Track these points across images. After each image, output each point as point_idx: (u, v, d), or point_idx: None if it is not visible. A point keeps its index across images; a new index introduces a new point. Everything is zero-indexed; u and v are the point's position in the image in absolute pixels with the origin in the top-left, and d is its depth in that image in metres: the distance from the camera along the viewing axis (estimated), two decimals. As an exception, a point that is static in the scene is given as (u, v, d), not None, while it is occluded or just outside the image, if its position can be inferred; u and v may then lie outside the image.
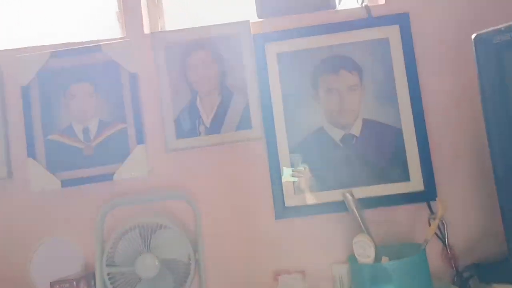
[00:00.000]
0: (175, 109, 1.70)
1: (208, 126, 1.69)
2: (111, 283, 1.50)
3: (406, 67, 1.67)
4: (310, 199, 1.64)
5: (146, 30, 1.76)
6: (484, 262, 1.50)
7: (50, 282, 1.44)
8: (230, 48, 1.70)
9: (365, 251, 1.39)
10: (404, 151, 1.65)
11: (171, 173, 1.68)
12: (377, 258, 1.41)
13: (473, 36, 1.28)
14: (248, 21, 1.70)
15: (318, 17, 1.71)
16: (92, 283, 1.51)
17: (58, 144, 1.67)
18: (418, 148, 1.64)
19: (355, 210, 1.51)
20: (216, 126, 1.69)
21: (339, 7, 1.75)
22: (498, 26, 1.22)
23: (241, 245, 1.65)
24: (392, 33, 1.69)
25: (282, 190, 1.66)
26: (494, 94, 1.22)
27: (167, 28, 1.82)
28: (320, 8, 1.73)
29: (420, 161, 1.64)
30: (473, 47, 1.27)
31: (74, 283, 1.43)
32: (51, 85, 1.68)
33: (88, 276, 1.52)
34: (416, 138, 1.65)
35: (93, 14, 1.86)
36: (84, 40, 1.72)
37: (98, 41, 1.70)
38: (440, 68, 1.67)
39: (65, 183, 1.64)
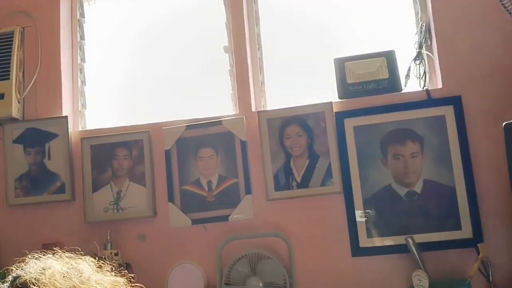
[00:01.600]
0: (274, 168, 2.24)
1: (299, 181, 2.21)
2: (228, 298, 2.04)
3: (458, 138, 2.10)
4: (379, 242, 2.09)
5: (253, 108, 2.34)
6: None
7: (187, 294, 2.01)
8: (317, 122, 2.23)
9: (421, 283, 1.81)
10: (457, 206, 2.06)
11: (270, 217, 2.22)
12: (432, 290, 1.83)
13: (503, 124, 1.70)
14: (331, 102, 2.23)
15: (387, 98, 2.20)
16: (215, 296, 2.06)
17: (190, 192, 2.27)
18: (468, 203, 2.05)
19: (415, 252, 1.94)
20: (305, 182, 2.21)
21: (404, 89, 2.23)
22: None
23: (325, 274, 2.12)
24: (448, 111, 2.13)
25: (357, 234, 2.12)
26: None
27: (269, 107, 2.39)
28: (389, 91, 2.22)
29: (470, 213, 2.04)
30: (503, 133, 1.69)
31: (204, 295, 1.99)
32: (185, 149, 2.31)
33: (212, 291, 2.08)
34: (467, 195, 2.05)
35: (210, 93, 2.48)
36: (209, 116, 2.33)
37: (219, 117, 2.31)
38: (486, 138, 2.07)
39: (194, 222, 2.23)
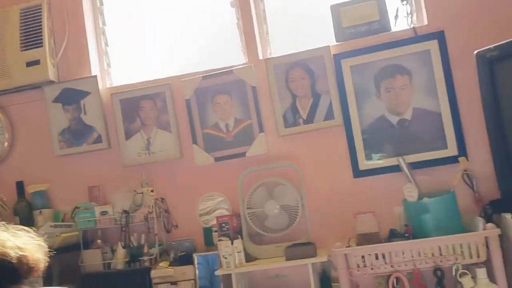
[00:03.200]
0: (282, 109, 2.55)
1: (305, 118, 2.53)
2: (250, 219, 2.41)
3: (443, 70, 2.38)
4: (376, 164, 2.43)
5: (261, 57, 2.63)
6: (495, 200, 2.18)
7: (216, 217, 2.39)
8: (317, 64, 2.52)
9: (411, 193, 2.15)
10: (443, 129, 2.37)
11: (282, 151, 2.55)
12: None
13: (474, 52, 1.98)
14: (328, 46, 2.51)
15: (379, 38, 2.47)
16: (239, 218, 2.44)
17: (210, 135, 2.61)
18: (453, 126, 2.35)
19: (406, 169, 2.27)
20: (310, 118, 2.52)
21: (393, 29, 2.49)
22: (490, 46, 1.92)
23: (331, 195, 2.48)
24: (432, 46, 2.40)
25: (357, 159, 2.46)
26: (488, 90, 1.92)
27: (274, 54, 2.67)
28: (380, 31, 2.48)
29: (455, 134, 2.35)
30: (475, 60, 1.97)
31: (230, 217, 2.37)
32: (203, 98, 2.62)
33: (236, 215, 2.45)
34: (451, 119, 2.36)
35: (222, 46, 2.77)
36: (221, 67, 2.63)
37: (230, 67, 2.61)
38: (468, 69, 2.33)
39: (216, 159, 2.58)
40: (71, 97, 2.72)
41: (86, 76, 2.73)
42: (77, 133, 2.71)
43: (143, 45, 2.91)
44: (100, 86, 2.74)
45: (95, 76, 2.72)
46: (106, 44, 2.88)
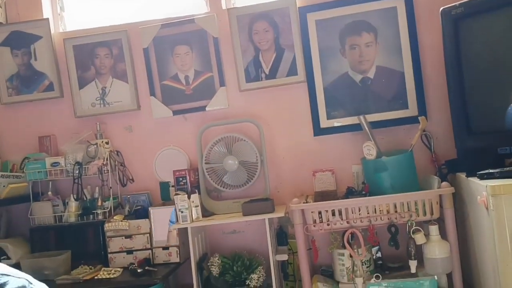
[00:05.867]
0: (244, 62, 2.47)
1: (267, 73, 2.46)
2: (208, 174, 2.36)
3: (408, 28, 2.34)
4: (337, 122, 2.40)
5: (224, 6, 2.52)
6: (451, 159, 2.21)
7: (173, 170, 2.32)
8: (282, 17, 2.43)
9: (370, 152, 2.15)
10: (405, 88, 2.36)
11: (243, 106, 2.49)
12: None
13: (440, 9, 1.95)
14: (295, -3, 2.42)
15: (345, -7, 2.40)
16: (197, 173, 2.39)
17: (169, 86, 2.51)
18: (415, 86, 2.34)
19: (366, 128, 2.26)
20: (273, 73, 2.46)
21: (361, -16, 2.42)
22: (455, 3, 1.88)
23: (291, 152, 2.45)
24: (399, 3, 2.35)
25: (318, 117, 2.42)
26: (451, 48, 1.90)
27: (237, 4, 2.56)
28: (347, -14, 2.41)
29: (416, 94, 2.34)
30: (440, 17, 1.94)
31: (187, 171, 2.31)
32: (162, 47, 2.50)
33: (194, 169, 2.40)
34: (414, 79, 2.34)
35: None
36: (181, 15, 2.51)
37: (192, 15, 2.49)
38: (432, 28, 2.32)
39: (175, 113, 2.49)
40: (21, 41, 2.54)
41: (37, 19, 2.55)
42: (27, 79, 2.55)
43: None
44: (52, 30, 2.56)
45: (47, 19, 2.54)
46: (60, -14, 2.69)
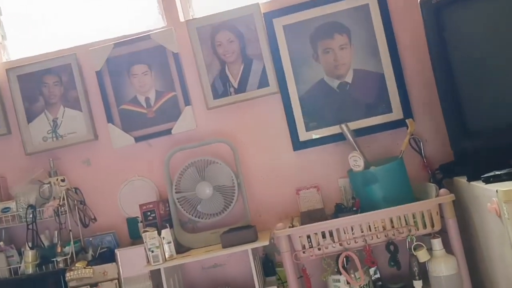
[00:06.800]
0: (210, 77, 2.24)
1: (236, 87, 2.24)
2: (180, 204, 2.10)
3: (383, 26, 2.17)
4: (317, 134, 2.19)
5: (181, 19, 2.30)
6: (446, 163, 2.01)
7: (139, 204, 2.06)
8: (247, 25, 2.22)
9: (357, 163, 1.93)
10: (387, 90, 2.17)
11: (212, 125, 2.26)
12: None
13: (419, 0, 1.77)
14: (258, 3, 2.22)
15: (312, -6, 2.21)
16: (167, 205, 2.13)
17: (128, 111, 2.26)
18: (397, 87, 2.16)
19: (350, 137, 2.05)
20: (242, 86, 2.24)
21: (327, -17, 2.24)
22: (436, -9, 1.71)
23: (270, 171, 2.22)
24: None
25: (296, 130, 2.21)
26: (436, 42, 1.71)
27: (197, 15, 2.34)
28: (313, -14, 2.22)
29: (399, 96, 2.15)
30: (420, 9, 1.76)
31: (156, 203, 2.05)
32: (117, 68, 2.26)
33: (164, 201, 2.14)
34: (395, 79, 2.16)
35: (137, 9, 2.39)
36: (136, 32, 2.27)
37: (147, 31, 2.26)
38: (410, 22, 2.14)
39: (137, 139, 2.24)
40: (-44, 75, 2.26)
41: (-26, 50, 2.29)
42: (-33, 117, 2.27)
43: (44, 12, 2.47)
44: (-7, 61, 2.30)
45: (-15, 49, 2.28)
46: (0, 13, 2.43)
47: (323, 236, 1.84)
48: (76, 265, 2.03)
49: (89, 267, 2.02)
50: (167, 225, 2.03)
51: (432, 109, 2.13)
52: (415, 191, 1.97)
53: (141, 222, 2.11)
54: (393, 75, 2.16)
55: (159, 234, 1.94)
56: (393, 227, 1.81)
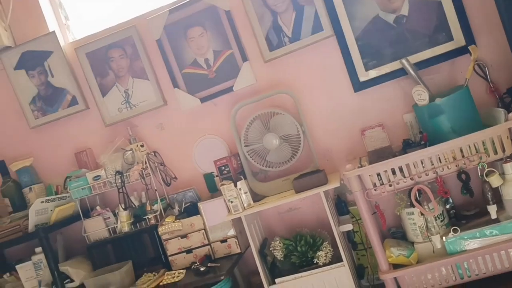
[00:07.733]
0: (263, 29, 2.27)
1: (290, 36, 2.26)
2: (250, 156, 2.22)
3: (436, -50, 2.07)
4: (377, 72, 2.18)
5: (229, -25, 2.32)
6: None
7: (214, 161, 2.20)
8: (294, -29, 2.21)
9: (421, 97, 1.93)
10: (446, 18, 2.10)
11: (271, 77, 2.31)
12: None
13: None
14: None
15: None
16: (238, 158, 2.25)
17: (191, 74, 2.36)
18: (456, 13, 2.08)
19: (412, 71, 2.03)
20: (296, 35, 2.25)
21: None
22: None
23: (333, 115, 2.26)
24: None
25: (355, 71, 2.21)
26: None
27: (244, -31, 2.35)
28: None
29: (459, 23, 2.08)
30: None
31: (228, 159, 2.18)
32: (175, 34, 2.34)
33: (235, 155, 2.26)
34: (453, 5, 2.07)
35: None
36: (188, -5, 2.34)
37: (198, -7, 2.31)
38: None
39: (202, 100, 2.35)
40: (33, 60, 2.45)
41: (44, 34, 2.45)
42: (49, 98, 2.48)
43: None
44: (62, 42, 2.46)
45: (53, 32, 2.43)
46: (60, -5, 2.58)
47: (393, 173, 1.88)
48: (166, 220, 2.23)
49: (178, 220, 2.22)
50: (241, 176, 2.16)
51: (495, 32, 2.05)
52: (483, 118, 1.94)
53: (217, 176, 2.25)
54: (451, 1, 2.08)
55: (235, 186, 2.07)
56: (463, 156, 1.82)
